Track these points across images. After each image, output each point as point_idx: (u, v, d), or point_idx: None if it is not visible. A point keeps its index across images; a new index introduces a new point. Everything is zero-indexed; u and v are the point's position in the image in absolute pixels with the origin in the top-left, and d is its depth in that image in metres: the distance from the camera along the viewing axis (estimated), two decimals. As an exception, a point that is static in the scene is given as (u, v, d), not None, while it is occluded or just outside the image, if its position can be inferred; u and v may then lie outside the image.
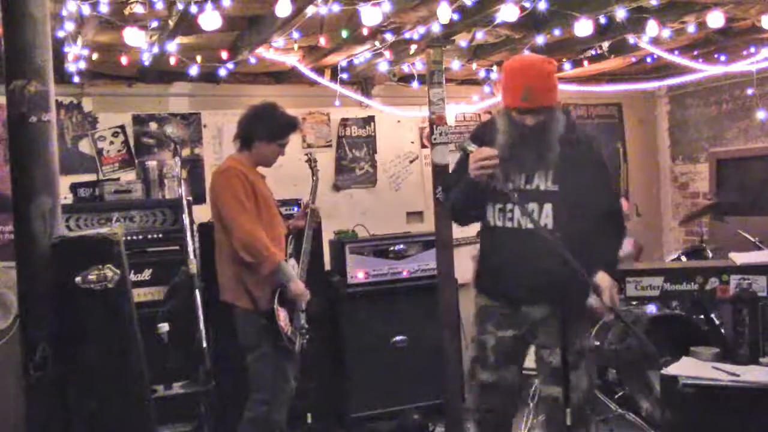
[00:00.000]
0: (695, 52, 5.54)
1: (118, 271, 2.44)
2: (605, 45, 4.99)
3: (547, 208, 2.90)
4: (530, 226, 2.87)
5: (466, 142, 2.93)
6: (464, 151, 2.93)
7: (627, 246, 5.28)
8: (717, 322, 4.75)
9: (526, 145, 2.90)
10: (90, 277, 2.39)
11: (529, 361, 3.98)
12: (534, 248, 2.78)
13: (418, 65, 5.24)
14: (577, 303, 2.84)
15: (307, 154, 4.21)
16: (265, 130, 3.63)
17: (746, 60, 5.41)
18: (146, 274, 4.31)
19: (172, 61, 4.55)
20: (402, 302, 4.83)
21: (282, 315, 3.49)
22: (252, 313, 3.48)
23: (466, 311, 4.80)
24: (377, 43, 4.58)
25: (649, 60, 5.79)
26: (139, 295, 4.15)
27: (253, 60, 4.77)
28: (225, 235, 3.51)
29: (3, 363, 3.69)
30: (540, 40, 4.60)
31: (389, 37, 4.42)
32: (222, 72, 4.85)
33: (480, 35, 4.56)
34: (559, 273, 2.64)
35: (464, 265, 4.66)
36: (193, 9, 3.55)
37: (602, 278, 2.80)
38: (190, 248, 3.04)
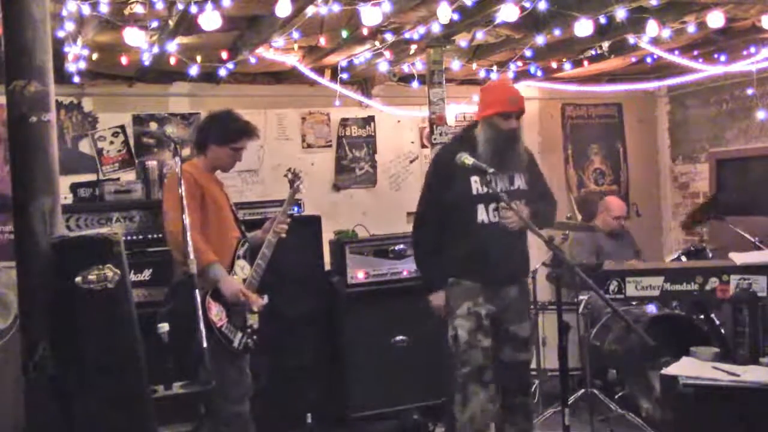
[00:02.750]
0: (695, 52, 5.55)
1: (118, 271, 2.44)
2: (605, 45, 5.00)
3: (523, 203, 3.52)
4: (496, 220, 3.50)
5: (463, 156, 3.33)
6: (463, 165, 3.32)
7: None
8: (717, 322, 4.75)
9: (509, 148, 3.49)
10: (90, 277, 2.38)
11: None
12: (507, 239, 3.47)
13: (418, 65, 5.24)
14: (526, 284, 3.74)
15: (289, 169, 3.99)
16: (217, 133, 3.61)
17: (746, 60, 5.41)
18: (146, 274, 4.30)
19: (172, 61, 4.55)
20: (402, 302, 4.81)
21: (215, 309, 3.42)
22: None
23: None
24: (377, 43, 4.58)
25: (649, 60, 5.79)
26: (139, 295, 4.15)
27: (253, 60, 4.77)
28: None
29: (3, 363, 3.69)
30: (540, 40, 4.60)
31: (389, 37, 4.42)
32: (222, 72, 4.85)
33: (480, 35, 4.56)
34: (522, 259, 3.64)
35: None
36: (193, 9, 3.55)
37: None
38: (190, 248, 3.04)
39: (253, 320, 3.61)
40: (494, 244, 3.47)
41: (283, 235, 3.80)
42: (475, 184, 3.50)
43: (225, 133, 3.61)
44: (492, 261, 3.48)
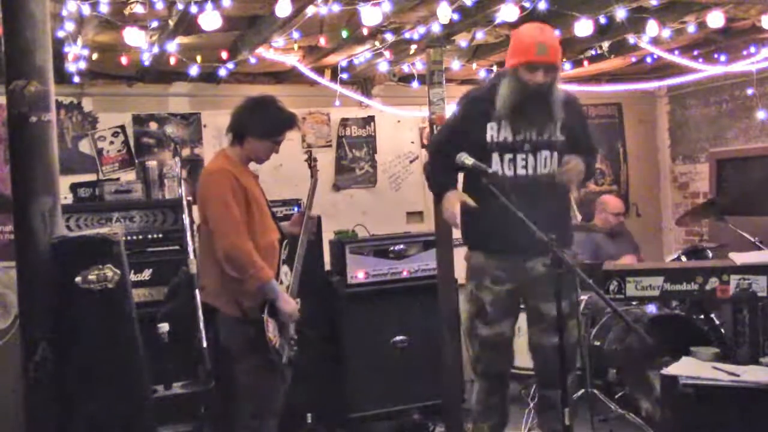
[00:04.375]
0: (695, 52, 5.54)
1: (118, 271, 2.44)
2: (605, 45, 5.00)
3: (556, 155, 3.19)
4: (540, 172, 3.12)
5: (463, 156, 3.01)
6: (463, 165, 3.01)
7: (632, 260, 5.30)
8: (717, 322, 4.75)
9: (535, 102, 3.07)
10: (90, 277, 2.39)
11: (524, 361, 3.96)
12: (531, 198, 2.87)
13: (418, 65, 5.24)
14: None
15: (307, 152, 3.87)
16: (258, 126, 3.30)
17: (746, 60, 5.41)
18: (146, 274, 4.30)
19: (172, 61, 4.55)
20: (402, 302, 4.82)
21: (271, 326, 3.23)
22: (239, 322, 3.22)
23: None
24: (377, 43, 4.59)
25: (649, 60, 5.79)
26: (139, 295, 4.14)
27: (253, 60, 4.77)
28: (213, 238, 3.22)
29: (3, 363, 3.68)
30: (540, 40, 4.60)
31: (389, 37, 4.42)
32: (222, 72, 4.85)
33: (480, 35, 4.56)
34: (554, 225, 2.77)
35: (464, 265, 4.66)
36: (193, 9, 3.55)
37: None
38: (190, 248, 3.02)
39: (293, 331, 3.44)
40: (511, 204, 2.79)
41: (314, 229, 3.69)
42: (491, 130, 3.09)
43: (268, 126, 3.32)
44: (507, 225, 2.78)
